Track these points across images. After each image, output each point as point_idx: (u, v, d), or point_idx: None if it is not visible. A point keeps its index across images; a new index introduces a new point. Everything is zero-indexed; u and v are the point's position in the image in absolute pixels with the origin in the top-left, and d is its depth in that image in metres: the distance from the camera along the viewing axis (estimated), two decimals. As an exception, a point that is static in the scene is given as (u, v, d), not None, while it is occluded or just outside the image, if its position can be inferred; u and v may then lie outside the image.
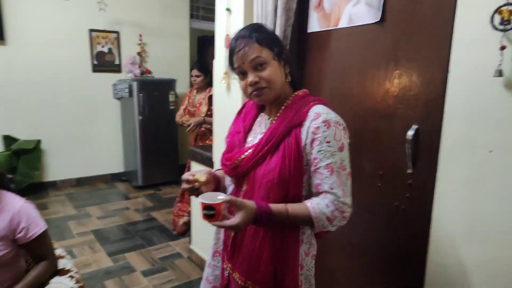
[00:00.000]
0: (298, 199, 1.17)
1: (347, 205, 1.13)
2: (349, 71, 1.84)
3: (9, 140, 4.47)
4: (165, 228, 3.79)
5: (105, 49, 5.06)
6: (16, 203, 1.56)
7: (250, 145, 1.25)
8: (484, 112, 1.30)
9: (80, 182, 5.13)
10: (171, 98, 5.06)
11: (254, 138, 1.27)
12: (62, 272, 1.68)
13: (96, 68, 5.03)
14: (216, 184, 1.32)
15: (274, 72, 1.16)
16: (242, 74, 1.19)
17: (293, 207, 1.13)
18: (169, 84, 5.07)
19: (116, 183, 5.28)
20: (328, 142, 1.12)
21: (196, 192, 1.21)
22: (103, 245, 3.38)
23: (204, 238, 2.93)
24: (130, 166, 5.23)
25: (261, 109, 1.34)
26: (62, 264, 1.74)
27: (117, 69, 5.19)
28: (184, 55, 5.72)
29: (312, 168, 1.15)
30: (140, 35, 5.23)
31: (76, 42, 4.84)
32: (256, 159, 1.19)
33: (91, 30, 4.91)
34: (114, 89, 5.13)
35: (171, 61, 5.56)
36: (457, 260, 1.40)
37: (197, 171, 1.27)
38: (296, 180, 1.15)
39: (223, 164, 1.30)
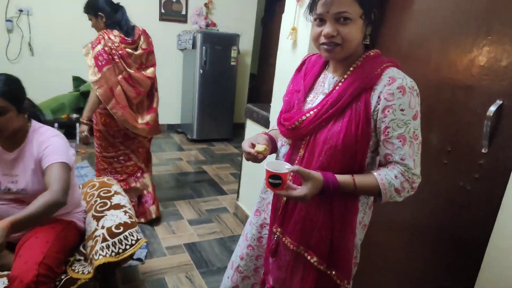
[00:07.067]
0: (362, 168, 1.12)
1: (417, 176, 1.09)
2: (430, 35, 1.67)
3: (78, 81, 4.64)
4: (215, 182, 3.87)
5: (173, -2, 5.04)
6: (48, 133, 1.55)
7: (310, 105, 1.17)
8: None
9: (139, 127, 5.30)
10: (233, 54, 5.00)
11: (315, 98, 1.19)
12: (118, 206, 1.77)
13: (163, 17, 5.08)
14: (273, 146, 1.29)
15: (354, 32, 1.06)
16: (320, 21, 1.08)
17: (360, 179, 1.09)
18: (232, 39, 4.97)
19: (172, 134, 5.37)
20: (402, 110, 1.04)
21: (258, 160, 1.18)
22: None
23: (252, 195, 2.95)
24: (186, 118, 5.29)
25: (324, 66, 1.25)
26: (117, 199, 1.82)
27: (183, 19, 5.19)
28: (250, 10, 5.57)
29: (382, 137, 1.08)
30: (209, -14, 5.14)
31: (146, -11, 4.84)
32: (319, 122, 1.11)
33: (161, -22, 4.89)
34: (178, 40, 5.17)
35: (236, 15, 5.45)
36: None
37: (254, 137, 1.25)
38: (363, 148, 1.09)
39: (280, 124, 1.23)
